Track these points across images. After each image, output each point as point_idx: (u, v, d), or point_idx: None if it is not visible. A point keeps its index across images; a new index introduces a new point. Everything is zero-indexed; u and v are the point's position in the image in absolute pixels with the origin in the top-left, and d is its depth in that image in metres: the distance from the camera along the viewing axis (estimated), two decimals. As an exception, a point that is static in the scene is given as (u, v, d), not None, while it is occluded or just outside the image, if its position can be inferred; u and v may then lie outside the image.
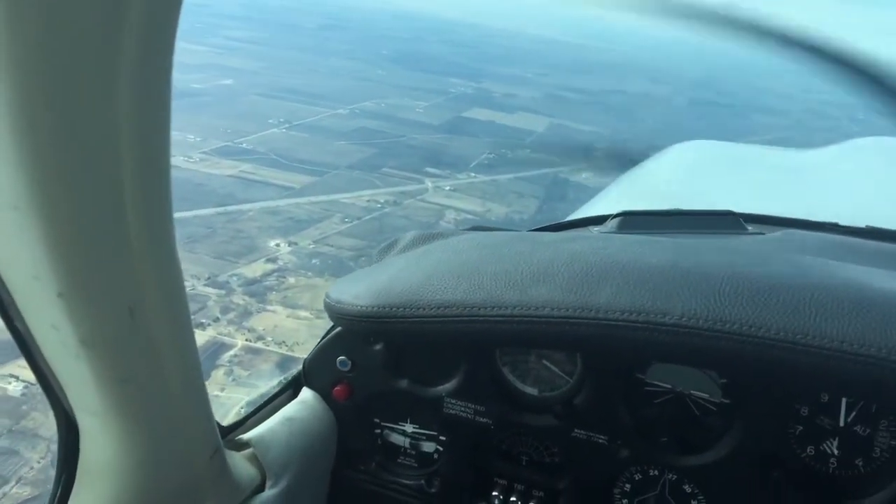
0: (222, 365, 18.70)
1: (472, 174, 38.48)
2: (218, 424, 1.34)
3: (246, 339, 20.07)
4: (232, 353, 19.33)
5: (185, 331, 1.10)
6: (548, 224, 2.37)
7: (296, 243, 27.00)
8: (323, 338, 1.76)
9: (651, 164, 4.79)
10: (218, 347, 19.43)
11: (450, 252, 1.61)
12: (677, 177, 4.45)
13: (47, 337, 0.94)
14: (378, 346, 1.67)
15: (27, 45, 0.69)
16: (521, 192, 34.92)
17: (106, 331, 0.94)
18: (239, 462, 1.45)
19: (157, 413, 1.11)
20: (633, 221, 2.11)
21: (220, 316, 21.15)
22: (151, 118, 0.86)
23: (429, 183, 35.99)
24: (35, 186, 0.77)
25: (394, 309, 1.44)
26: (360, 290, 1.52)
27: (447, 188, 35.71)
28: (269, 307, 21.96)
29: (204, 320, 20.74)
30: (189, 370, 1.15)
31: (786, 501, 1.48)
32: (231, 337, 20.13)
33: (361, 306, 1.47)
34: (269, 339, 20.00)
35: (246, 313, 21.53)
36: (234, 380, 18.02)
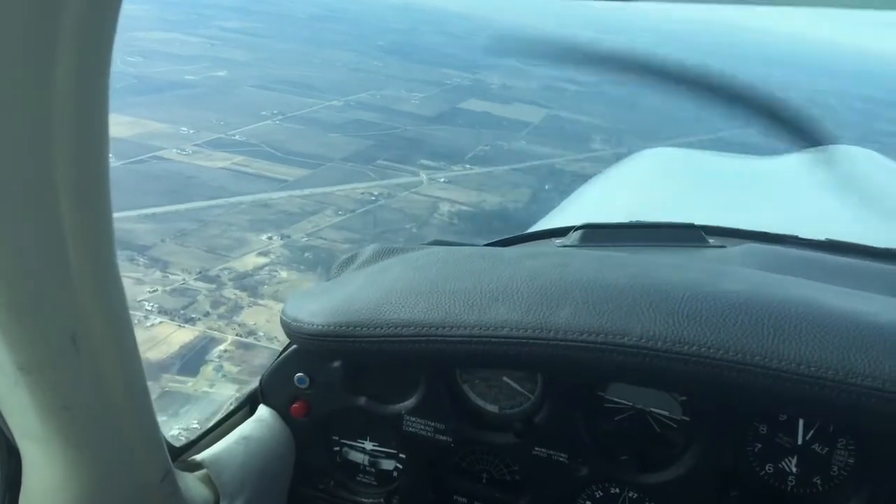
0: (211, 360, 18.53)
1: (468, 166, 38.26)
2: (170, 446, 1.32)
3: (237, 334, 19.90)
4: (222, 348, 19.20)
5: (130, 356, 1.07)
6: (510, 237, 2.36)
7: (288, 236, 26.82)
8: (280, 354, 1.72)
9: (615, 171, 4.89)
10: (208, 343, 19.33)
11: (409, 269, 1.60)
12: (641, 185, 4.52)
13: None
14: (336, 364, 1.65)
15: None
16: (516, 183, 34.67)
17: (46, 358, 0.93)
18: (192, 484, 1.41)
19: (102, 439, 1.09)
20: (594, 234, 2.11)
21: (210, 311, 20.96)
22: (88, 140, 0.84)
23: (423, 175, 35.77)
24: None
25: (351, 328, 1.43)
26: (317, 307, 1.51)
27: (442, 180, 35.49)
28: (260, 301, 21.77)
29: (194, 315, 20.55)
30: (135, 397, 1.12)
31: None
32: (221, 332, 19.94)
33: (318, 325, 1.46)
34: (261, 333, 19.80)
35: (237, 308, 21.35)
36: (223, 376, 17.85)
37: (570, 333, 1.29)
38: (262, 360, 18.22)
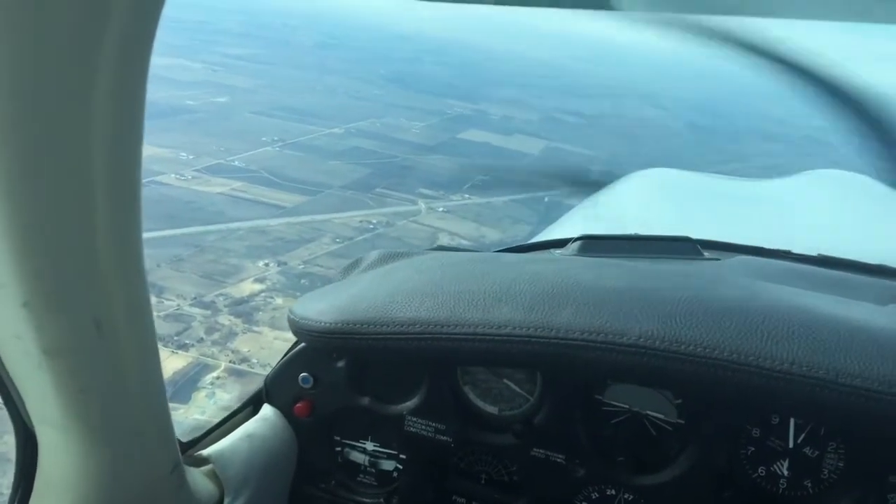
0: (204, 387, 18.34)
1: (467, 196, 38.28)
2: (178, 440, 1.34)
3: (230, 361, 19.73)
4: (214, 374, 19.01)
5: (149, 346, 1.10)
6: (511, 246, 2.41)
7: (285, 263, 26.71)
8: (285, 354, 1.76)
9: (613, 189, 4.97)
10: (200, 369, 19.15)
11: (414, 271, 1.65)
12: (638, 203, 4.62)
13: (9, 346, 0.95)
14: (341, 363, 1.68)
15: None
16: (515, 217, 34.62)
17: (70, 341, 0.95)
18: (198, 478, 1.45)
19: (118, 427, 1.11)
20: (593, 245, 2.15)
21: (204, 336, 20.82)
22: (124, 131, 0.86)
23: (422, 204, 35.78)
24: (2, 194, 0.79)
25: (357, 325, 1.46)
26: (324, 306, 1.54)
27: (440, 209, 35.48)
28: (255, 328, 21.63)
29: (188, 341, 20.40)
30: (151, 385, 1.15)
31: None
32: (214, 358, 19.78)
33: (325, 322, 1.49)
34: (255, 360, 19.64)
35: (231, 334, 21.20)
36: (215, 403, 17.68)
37: (570, 332, 1.33)
38: (255, 387, 17.98)
